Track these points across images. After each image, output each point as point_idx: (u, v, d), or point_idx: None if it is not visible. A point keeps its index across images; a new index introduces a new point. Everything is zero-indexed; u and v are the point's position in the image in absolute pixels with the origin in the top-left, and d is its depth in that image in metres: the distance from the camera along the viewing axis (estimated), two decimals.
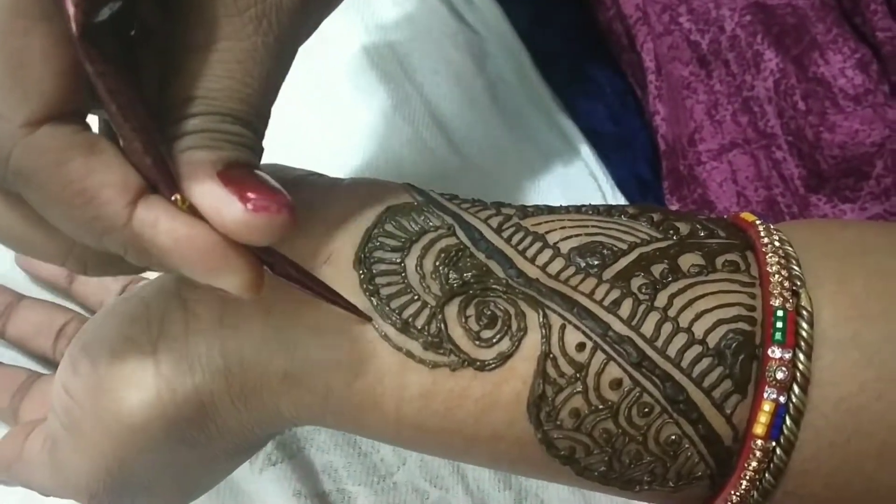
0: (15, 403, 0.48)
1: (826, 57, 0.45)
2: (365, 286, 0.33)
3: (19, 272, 0.55)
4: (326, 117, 0.62)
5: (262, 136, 0.32)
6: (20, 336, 0.52)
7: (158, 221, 0.28)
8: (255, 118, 0.31)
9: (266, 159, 0.38)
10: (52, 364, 0.52)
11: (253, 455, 0.42)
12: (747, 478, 0.32)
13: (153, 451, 0.36)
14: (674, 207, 0.56)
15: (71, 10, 0.25)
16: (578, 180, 0.61)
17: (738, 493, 0.32)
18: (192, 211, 0.28)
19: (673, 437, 0.32)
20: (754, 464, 0.32)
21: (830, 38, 0.45)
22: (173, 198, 0.28)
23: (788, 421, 0.31)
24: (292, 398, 0.35)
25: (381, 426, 0.35)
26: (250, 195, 0.28)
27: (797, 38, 0.47)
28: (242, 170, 0.29)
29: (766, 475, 0.32)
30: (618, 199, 0.60)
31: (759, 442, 0.31)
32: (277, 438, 0.54)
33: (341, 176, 0.39)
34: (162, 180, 0.28)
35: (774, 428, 0.31)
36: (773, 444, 0.31)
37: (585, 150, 0.62)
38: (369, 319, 0.33)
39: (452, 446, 0.35)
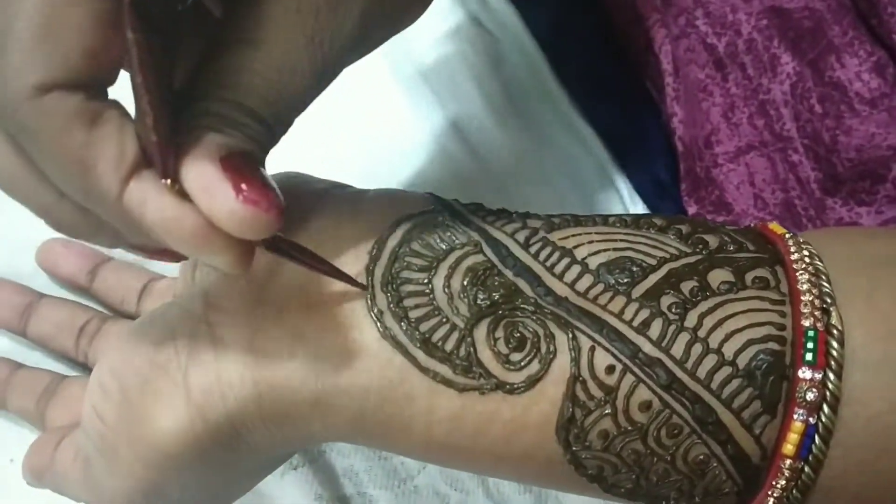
0: (41, 406, 0.49)
1: (842, 60, 0.45)
2: (393, 309, 0.34)
3: (41, 274, 0.55)
4: (342, 121, 0.62)
5: (275, 142, 0.32)
6: (42, 335, 0.52)
7: (147, 199, 0.28)
8: (276, 123, 0.31)
9: (283, 160, 0.38)
10: (74, 363, 0.53)
11: (281, 465, 0.42)
12: (775, 495, 0.32)
13: (186, 473, 0.36)
14: (692, 210, 0.55)
15: None
16: (596, 184, 0.61)
17: None
18: (182, 195, 0.29)
19: (701, 456, 0.32)
20: (782, 482, 0.32)
21: (846, 40, 0.45)
22: (163, 180, 0.28)
23: (818, 440, 0.31)
24: (323, 421, 0.35)
25: (411, 446, 0.35)
26: (244, 186, 0.28)
27: (813, 41, 0.46)
28: (245, 162, 0.29)
29: (794, 492, 0.32)
30: (635, 202, 0.60)
31: (787, 461, 0.31)
32: None
33: (358, 179, 0.39)
34: (159, 160, 0.28)
35: (804, 448, 0.31)
36: (802, 462, 0.31)
37: (602, 154, 0.62)
38: (365, 289, 0.34)
39: (481, 465, 0.35)
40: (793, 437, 0.31)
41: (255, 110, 0.30)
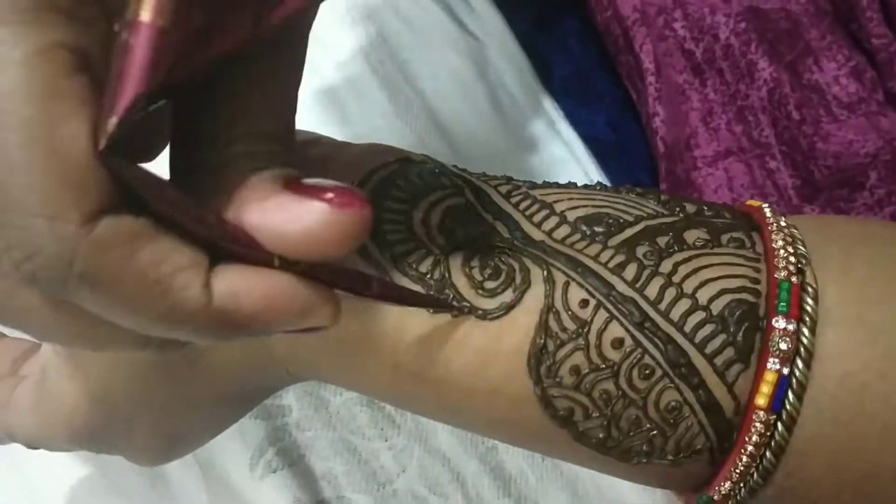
0: (16, 367, 0.46)
1: (820, 64, 0.45)
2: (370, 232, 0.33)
3: None
4: (330, 122, 0.62)
5: (293, 153, 0.29)
6: None
7: (238, 289, 0.25)
8: (290, 134, 0.29)
9: None
10: None
11: (241, 415, 0.41)
12: (748, 452, 0.32)
13: (136, 378, 0.35)
14: None
15: (111, 126, 0.22)
16: None
17: (737, 471, 0.32)
18: (285, 267, 0.26)
19: (673, 403, 0.32)
20: (755, 438, 0.31)
21: (825, 44, 0.45)
22: (275, 261, 0.26)
23: (791, 395, 0.31)
24: (287, 339, 0.34)
25: (378, 373, 0.34)
26: (328, 195, 0.25)
27: (791, 44, 0.46)
28: (303, 180, 0.27)
29: (767, 453, 0.32)
30: None
31: (760, 413, 0.31)
32: (278, 445, 0.54)
33: None
34: (248, 248, 0.26)
35: (776, 400, 0.31)
36: (775, 417, 0.31)
37: (585, 159, 0.62)
38: (466, 311, 0.32)
39: (449, 401, 0.34)
40: (766, 388, 0.31)
41: (272, 133, 0.28)
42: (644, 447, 0.33)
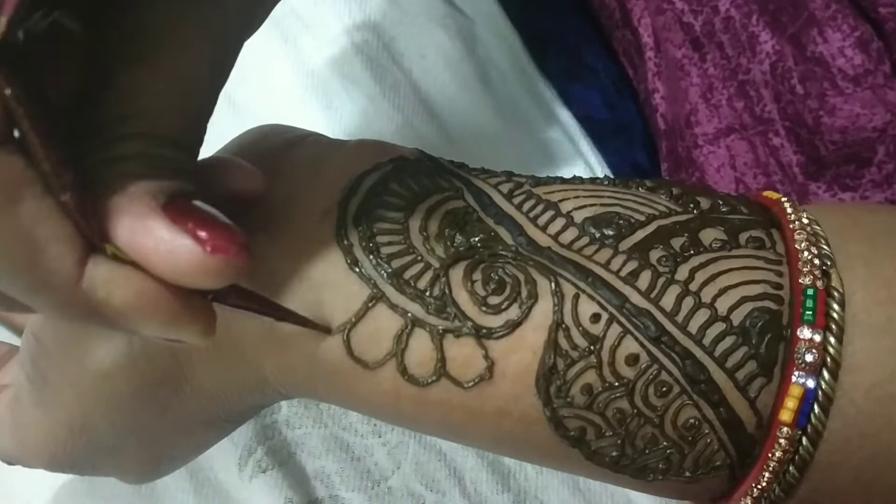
0: None
1: (825, 35, 0.43)
2: (364, 244, 0.31)
3: None
4: (313, 107, 0.61)
5: (196, 160, 0.29)
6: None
7: (113, 278, 0.25)
8: (195, 140, 0.28)
9: None
10: None
11: (231, 431, 0.39)
12: (770, 469, 0.30)
13: (119, 408, 0.34)
14: None
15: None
16: (573, 169, 0.60)
17: (759, 487, 0.31)
18: (117, 258, 0.25)
19: (692, 420, 0.30)
20: (779, 454, 0.30)
21: (829, 14, 0.43)
22: (105, 246, 0.25)
23: (817, 408, 0.29)
24: (277, 359, 0.32)
25: (377, 395, 0.32)
26: (202, 234, 0.24)
27: (794, 14, 0.44)
28: (187, 203, 0.26)
29: (791, 468, 0.30)
30: None
31: (785, 430, 0.29)
32: (267, 444, 0.53)
33: None
34: (87, 223, 0.24)
35: (802, 415, 0.29)
36: (800, 432, 0.29)
37: (580, 138, 0.60)
38: (328, 332, 0.31)
39: (453, 423, 0.32)
40: (791, 402, 0.29)
41: (172, 135, 0.26)
42: (660, 465, 0.31)
